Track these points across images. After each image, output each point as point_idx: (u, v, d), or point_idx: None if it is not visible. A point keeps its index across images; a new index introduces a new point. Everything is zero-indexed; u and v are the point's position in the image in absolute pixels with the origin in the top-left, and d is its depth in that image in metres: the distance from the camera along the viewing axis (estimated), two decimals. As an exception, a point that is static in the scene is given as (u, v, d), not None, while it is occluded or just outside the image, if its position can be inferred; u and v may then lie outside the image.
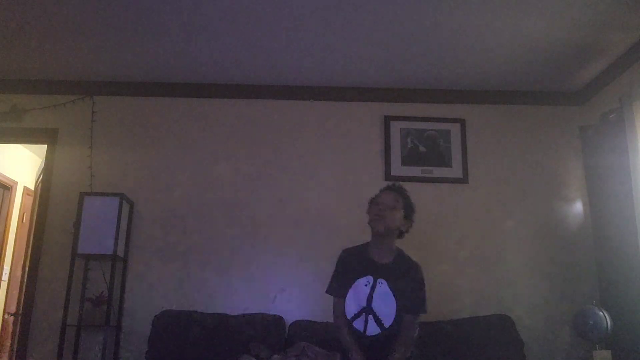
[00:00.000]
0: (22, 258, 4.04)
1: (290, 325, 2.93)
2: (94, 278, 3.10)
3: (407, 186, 3.29)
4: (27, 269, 3.34)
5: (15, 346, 3.35)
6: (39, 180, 3.60)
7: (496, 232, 3.28)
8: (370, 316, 2.17)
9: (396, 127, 3.41)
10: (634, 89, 2.72)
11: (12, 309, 4.21)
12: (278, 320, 2.92)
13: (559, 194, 3.35)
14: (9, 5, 2.61)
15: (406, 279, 2.21)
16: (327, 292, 2.31)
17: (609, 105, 3.00)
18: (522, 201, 3.33)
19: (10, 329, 4.16)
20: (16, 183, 4.77)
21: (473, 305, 3.08)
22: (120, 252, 3.05)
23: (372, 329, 2.16)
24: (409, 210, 2.28)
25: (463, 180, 3.34)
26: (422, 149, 3.40)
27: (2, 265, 4.55)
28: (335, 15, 2.67)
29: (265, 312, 2.99)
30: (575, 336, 2.95)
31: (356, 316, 2.20)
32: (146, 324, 2.87)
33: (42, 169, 3.51)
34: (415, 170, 3.35)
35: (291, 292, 3.14)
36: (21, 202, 4.80)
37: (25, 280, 3.34)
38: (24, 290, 3.32)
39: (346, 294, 2.22)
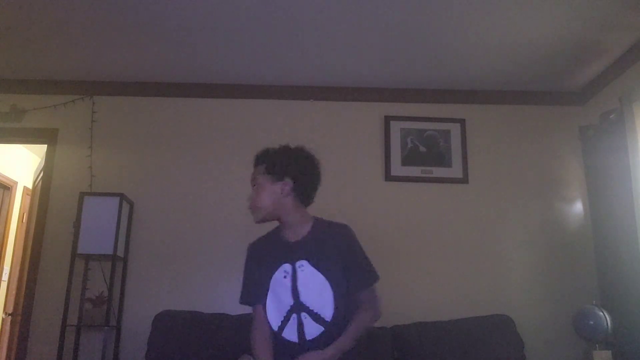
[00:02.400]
0: (22, 258, 4.03)
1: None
2: (94, 278, 3.10)
3: (407, 186, 3.38)
4: (27, 269, 3.33)
5: (12, 346, 3.35)
6: (38, 179, 3.60)
7: (496, 232, 3.28)
8: (304, 314, 1.64)
9: (396, 127, 3.41)
10: (634, 89, 2.72)
11: (12, 309, 4.21)
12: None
13: (559, 194, 3.35)
14: (9, 5, 2.61)
15: (333, 249, 1.70)
16: (240, 302, 1.81)
17: (609, 105, 3.00)
18: (522, 201, 3.33)
19: (7, 329, 4.15)
20: (16, 183, 4.77)
21: (473, 305, 3.07)
22: (120, 252, 3.05)
23: (312, 330, 1.64)
24: (277, 170, 1.74)
25: (463, 180, 3.34)
26: (422, 149, 3.40)
27: (2, 265, 4.55)
28: (335, 16, 2.67)
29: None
30: (575, 336, 2.95)
31: (285, 322, 1.67)
32: (146, 324, 2.86)
33: (41, 169, 3.50)
34: (415, 170, 3.35)
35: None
36: (21, 202, 4.80)
37: (25, 280, 3.34)
38: (23, 290, 3.32)
39: (265, 298, 1.72)
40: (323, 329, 1.64)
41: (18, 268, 4.13)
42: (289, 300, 1.66)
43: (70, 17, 2.72)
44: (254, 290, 1.77)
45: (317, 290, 1.65)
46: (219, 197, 3.28)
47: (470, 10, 2.60)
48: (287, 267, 1.68)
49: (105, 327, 2.92)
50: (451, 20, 2.69)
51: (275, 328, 1.70)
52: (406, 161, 3.37)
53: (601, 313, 2.77)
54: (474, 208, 3.31)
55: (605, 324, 2.74)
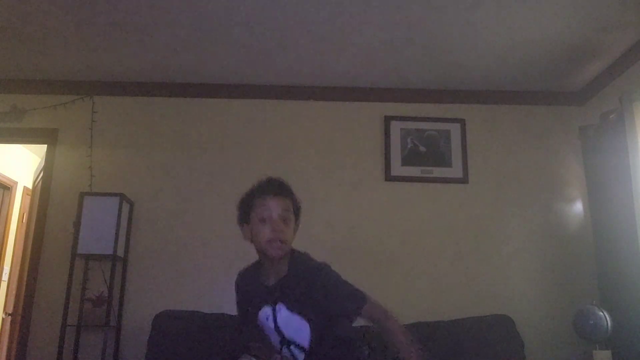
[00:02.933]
0: (22, 258, 4.03)
1: (290, 325, 2.92)
2: (94, 278, 3.10)
3: (407, 186, 3.38)
4: (27, 269, 3.33)
5: (12, 346, 3.35)
6: (38, 179, 3.60)
7: (496, 232, 3.28)
8: (292, 347, 1.73)
9: (396, 127, 3.41)
10: (634, 89, 2.72)
11: (12, 309, 4.21)
12: (278, 320, 2.92)
13: (559, 194, 3.35)
14: (9, 5, 2.61)
15: (309, 293, 1.68)
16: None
17: (609, 105, 3.00)
18: (522, 201, 3.33)
19: (7, 329, 4.15)
20: (16, 183, 4.77)
21: (473, 305, 3.07)
22: (120, 252, 3.05)
23: (300, 358, 1.73)
24: (298, 213, 1.81)
25: (463, 180, 3.34)
26: (422, 149, 3.40)
27: (2, 265, 4.55)
28: (335, 16, 2.67)
29: (265, 312, 3.00)
30: (575, 336, 2.95)
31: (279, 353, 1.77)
32: (146, 324, 2.86)
33: (41, 169, 3.50)
34: (415, 170, 3.35)
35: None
36: (21, 202, 4.80)
37: (25, 280, 3.34)
38: (23, 290, 3.32)
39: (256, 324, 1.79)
40: (304, 355, 1.71)
41: (18, 268, 4.13)
42: (275, 338, 1.75)
43: (70, 17, 2.72)
44: (248, 320, 1.83)
45: (296, 327, 1.70)
46: (219, 197, 3.27)
47: (470, 10, 2.60)
48: (267, 310, 1.74)
49: (105, 327, 2.92)
50: (451, 20, 2.69)
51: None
52: (406, 161, 3.37)
53: (601, 313, 2.77)
54: (474, 208, 3.31)
55: (605, 324, 2.74)
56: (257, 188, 1.75)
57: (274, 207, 1.70)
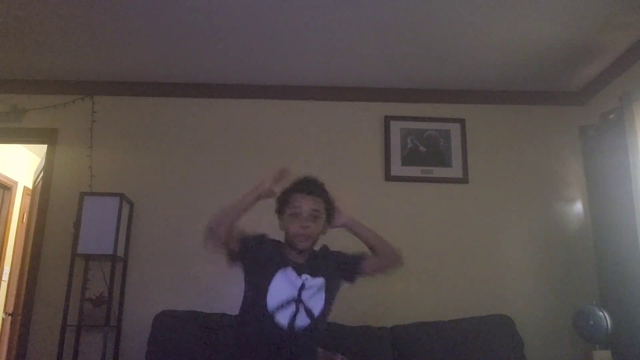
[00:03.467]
0: (22, 258, 4.03)
1: (290, 325, 2.92)
2: (94, 278, 3.10)
3: (407, 186, 3.38)
4: (27, 269, 3.33)
5: (12, 346, 3.35)
6: (38, 179, 3.61)
7: (496, 232, 3.28)
8: (301, 306, 1.85)
9: (396, 127, 3.41)
10: (634, 89, 2.72)
11: (12, 309, 4.21)
12: (278, 320, 2.92)
13: (559, 194, 3.35)
14: (9, 5, 2.61)
15: (327, 268, 1.95)
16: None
17: (609, 105, 3.00)
18: (522, 201, 3.33)
19: (7, 329, 4.15)
20: (16, 183, 4.77)
21: (473, 305, 3.07)
22: (120, 252, 3.05)
23: (302, 322, 1.84)
24: (330, 213, 2.00)
25: (463, 180, 3.35)
26: (422, 149, 3.40)
27: (2, 265, 4.55)
28: (335, 15, 2.67)
29: (265, 312, 3.00)
30: (575, 336, 2.95)
31: (280, 308, 1.83)
32: (146, 324, 2.86)
33: (41, 169, 3.51)
34: (415, 170, 3.35)
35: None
36: (21, 202, 4.80)
37: (25, 280, 3.34)
38: (23, 290, 3.32)
39: (266, 285, 1.87)
40: (310, 321, 1.85)
41: (18, 268, 4.13)
42: (293, 294, 1.85)
43: (70, 17, 2.71)
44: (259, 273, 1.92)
45: (313, 293, 1.88)
46: (218, 197, 3.26)
47: (470, 10, 2.60)
48: (291, 273, 1.89)
49: (105, 327, 2.92)
50: (451, 20, 2.69)
51: (271, 309, 1.83)
52: (406, 161, 3.37)
53: (601, 313, 2.77)
54: (474, 208, 3.31)
55: (605, 324, 2.74)
56: (294, 185, 1.96)
57: (305, 204, 1.90)
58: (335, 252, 2.04)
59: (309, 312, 1.86)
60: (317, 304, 1.88)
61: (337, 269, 1.98)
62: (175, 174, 3.33)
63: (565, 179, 3.37)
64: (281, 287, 1.86)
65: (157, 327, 2.82)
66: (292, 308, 1.84)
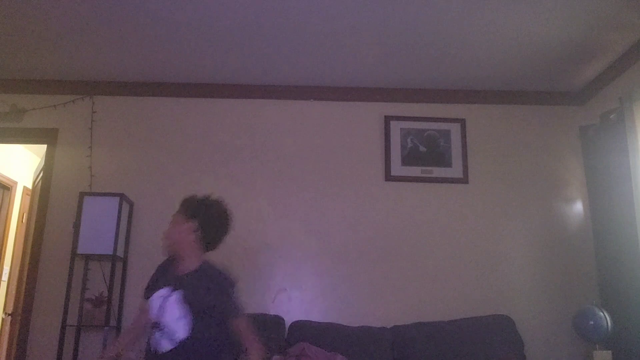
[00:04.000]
0: (22, 258, 4.03)
1: (290, 325, 2.92)
2: (94, 278, 3.10)
3: (407, 186, 3.37)
4: (27, 269, 3.33)
5: (12, 346, 3.35)
6: (38, 179, 3.60)
7: (496, 232, 3.28)
8: (161, 332, 1.95)
9: (396, 127, 3.41)
10: (634, 89, 2.72)
11: (12, 309, 4.21)
12: (278, 320, 2.92)
13: (559, 194, 3.35)
14: (9, 5, 2.61)
15: (207, 289, 1.99)
16: (145, 297, 2.15)
17: (609, 105, 3.00)
18: (522, 201, 3.33)
19: (7, 329, 4.15)
20: (16, 183, 4.76)
21: (473, 305, 3.08)
22: (120, 252, 3.05)
23: (165, 345, 1.94)
24: (188, 211, 2.08)
25: (463, 180, 3.35)
26: (422, 149, 3.40)
27: (2, 265, 4.55)
28: (335, 15, 2.67)
29: (265, 312, 2.99)
30: (575, 336, 2.95)
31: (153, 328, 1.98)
32: (146, 324, 2.86)
33: (41, 169, 3.50)
34: (415, 170, 3.35)
35: (291, 292, 3.14)
36: (21, 202, 4.80)
37: (25, 280, 3.34)
38: (23, 290, 3.32)
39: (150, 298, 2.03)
40: (173, 347, 1.91)
41: (18, 268, 4.12)
42: (154, 316, 1.98)
43: (70, 17, 2.71)
44: (150, 288, 2.10)
45: (177, 316, 1.93)
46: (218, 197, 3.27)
47: (470, 10, 2.60)
48: (165, 291, 1.99)
49: (105, 327, 2.92)
50: (451, 20, 2.69)
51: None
52: (406, 161, 3.37)
53: (601, 313, 2.77)
54: (474, 208, 3.31)
55: (605, 324, 2.74)
56: None
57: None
58: (219, 284, 2.06)
59: (171, 336, 1.95)
60: (179, 326, 1.94)
61: (215, 299, 2.00)
62: (175, 174, 3.33)
63: (565, 179, 3.37)
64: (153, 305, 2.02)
65: (157, 327, 2.82)
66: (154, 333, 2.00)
